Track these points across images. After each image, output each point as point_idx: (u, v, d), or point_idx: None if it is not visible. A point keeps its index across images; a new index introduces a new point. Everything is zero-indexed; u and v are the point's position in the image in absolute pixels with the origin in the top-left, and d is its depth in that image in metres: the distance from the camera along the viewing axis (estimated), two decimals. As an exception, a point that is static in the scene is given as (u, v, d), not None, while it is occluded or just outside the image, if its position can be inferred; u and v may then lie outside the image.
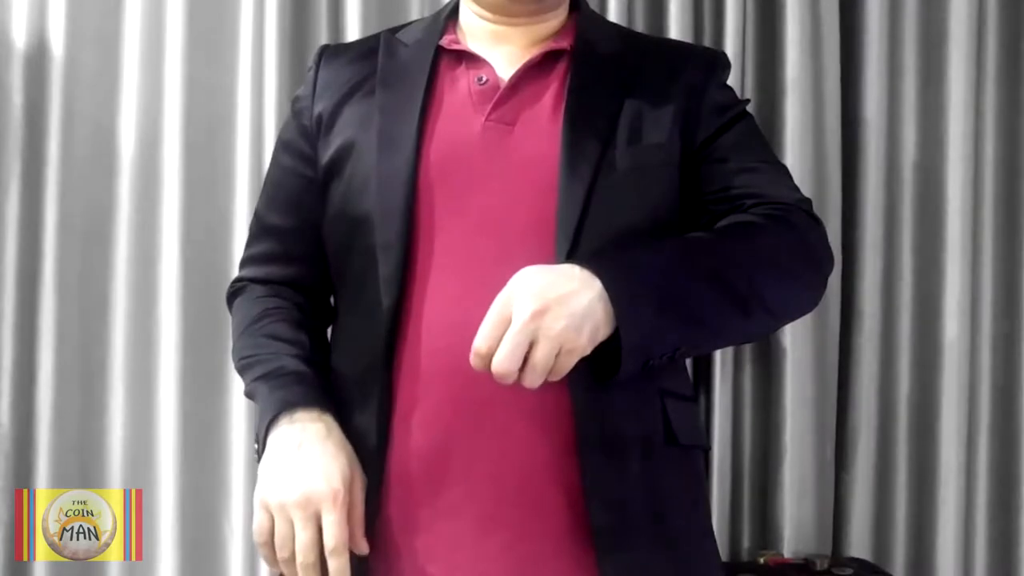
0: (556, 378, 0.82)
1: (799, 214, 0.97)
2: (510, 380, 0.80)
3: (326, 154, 1.02)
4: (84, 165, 1.63)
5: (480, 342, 0.81)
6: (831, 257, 1.01)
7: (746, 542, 1.74)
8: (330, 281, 1.06)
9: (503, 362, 0.79)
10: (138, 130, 1.64)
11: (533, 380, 0.81)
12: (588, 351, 0.82)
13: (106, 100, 1.64)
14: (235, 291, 1.12)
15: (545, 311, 0.80)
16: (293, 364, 0.98)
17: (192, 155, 1.64)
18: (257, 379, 0.98)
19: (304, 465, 0.89)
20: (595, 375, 0.87)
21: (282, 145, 1.10)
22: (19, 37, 1.61)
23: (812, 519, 1.70)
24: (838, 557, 1.71)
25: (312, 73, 1.09)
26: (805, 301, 1.01)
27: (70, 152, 1.62)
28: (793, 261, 0.95)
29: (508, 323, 0.80)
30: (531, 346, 0.80)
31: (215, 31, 1.66)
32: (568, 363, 0.81)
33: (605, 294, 0.82)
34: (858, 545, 1.76)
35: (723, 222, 0.96)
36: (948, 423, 1.74)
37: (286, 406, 0.93)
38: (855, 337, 1.76)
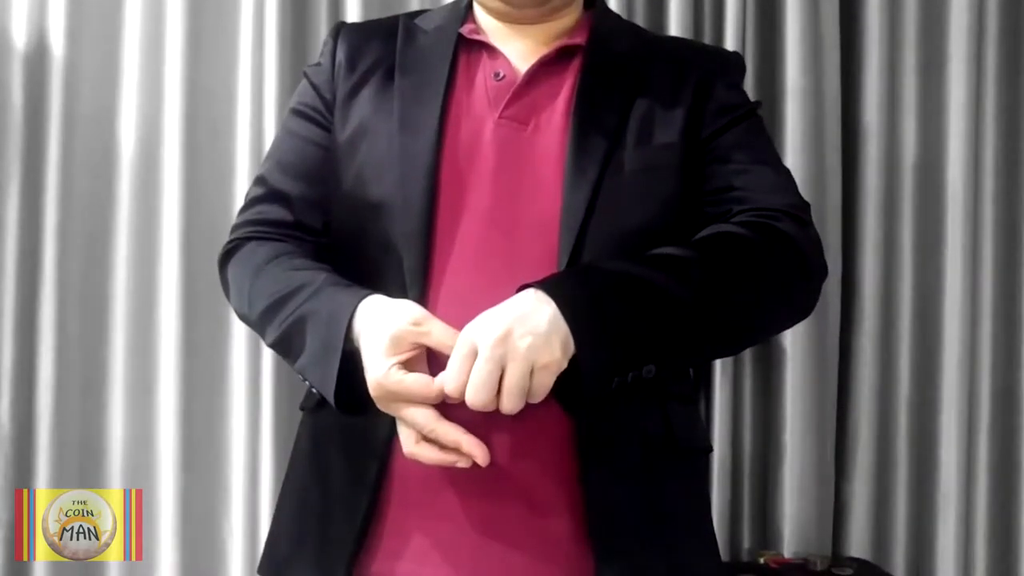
0: (537, 399, 0.81)
1: (788, 221, 0.95)
2: (488, 409, 0.80)
3: (342, 133, 1.01)
4: (84, 165, 1.63)
5: (449, 382, 0.81)
6: (822, 264, 0.98)
7: (746, 542, 1.74)
8: (336, 261, 1.01)
9: (475, 393, 0.80)
10: (138, 130, 1.64)
11: (510, 405, 0.80)
12: (564, 364, 0.82)
13: (106, 100, 1.64)
14: (232, 248, 1.04)
15: (508, 335, 0.80)
16: (338, 278, 0.94)
17: (192, 155, 1.64)
18: (308, 299, 0.92)
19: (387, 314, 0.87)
20: (565, 403, 0.86)
21: (297, 113, 1.06)
22: (19, 37, 1.61)
23: (812, 519, 1.70)
24: (838, 557, 1.71)
25: (330, 47, 1.06)
26: (790, 312, 0.99)
27: (70, 152, 1.62)
28: (773, 272, 0.93)
29: (474, 357, 0.80)
30: (503, 372, 0.80)
31: (215, 31, 1.66)
32: (546, 380, 0.81)
33: (560, 311, 0.82)
34: (858, 545, 1.76)
35: (702, 233, 0.94)
36: (948, 423, 1.73)
37: (360, 299, 0.89)
38: (855, 337, 1.76)
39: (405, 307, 0.87)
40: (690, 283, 0.88)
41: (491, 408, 0.80)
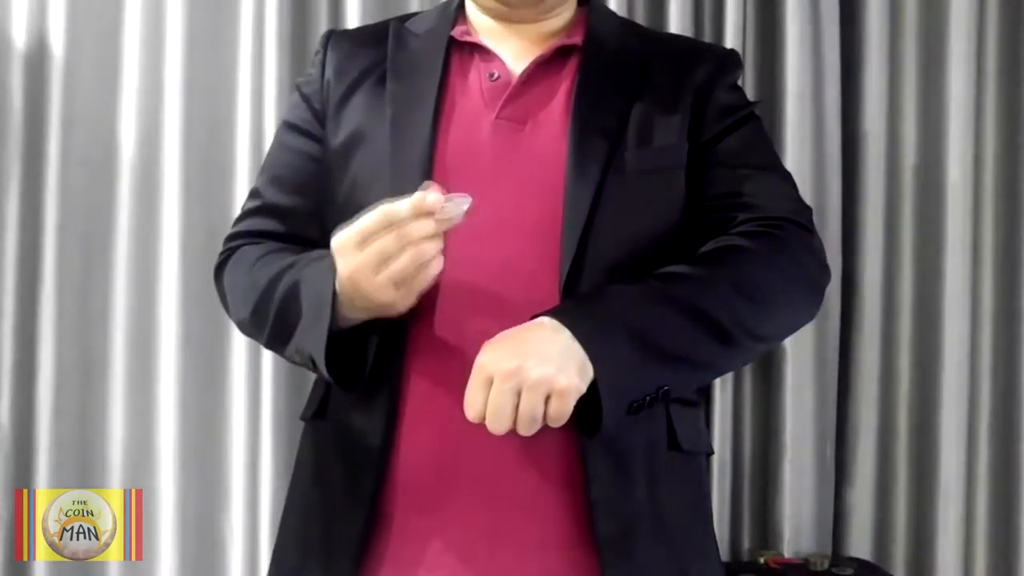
0: (558, 423, 0.81)
1: (791, 228, 0.95)
2: (506, 431, 0.81)
3: (335, 141, 1.00)
4: (84, 165, 1.63)
5: (468, 410, 0.82)
6: (826, 270, 0.99)
7: (746, 542, 1.74)
8: None
9: (492, 423, 0.81)
10: (138, 130, 1.64)
11: (524, 431, 0.81)
12: (583, 389, 0.81)
13: (106, 100, 1.64)
14: (226, 256, 1.04)
15: (521, 365, 0.80)
16: (321, 251, 0.93)
17: (192, 155, 1.64)
18: (296, 270, 0.92)
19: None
20: (583, 428, 0.86)
21: (288, 126, 1.06)
22: (19, 37, 1.61)
23: (812, 519, 1.70)
24: (838, 557, 1.71)
25: (320, 56, 1.06)
26: (797, 319, 0.99)
27: (70, 152, 1.62)
28: (780, 283, 0.93)
29: (490, 384, 0.81)
30: (520, 398, 0.80)
31: (215, 31, 1.66)
32: (564, 406, 0.81)
33: (574, 337, 0.82)
34: (858, 545, 1.76)
35: (708, 247, 0.94)
36: (948, 423, 1.74)
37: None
38: (855, 337, 1.76)
39: None
40: (700, 302, 0.88)
41: (508, 431, 0.81)
